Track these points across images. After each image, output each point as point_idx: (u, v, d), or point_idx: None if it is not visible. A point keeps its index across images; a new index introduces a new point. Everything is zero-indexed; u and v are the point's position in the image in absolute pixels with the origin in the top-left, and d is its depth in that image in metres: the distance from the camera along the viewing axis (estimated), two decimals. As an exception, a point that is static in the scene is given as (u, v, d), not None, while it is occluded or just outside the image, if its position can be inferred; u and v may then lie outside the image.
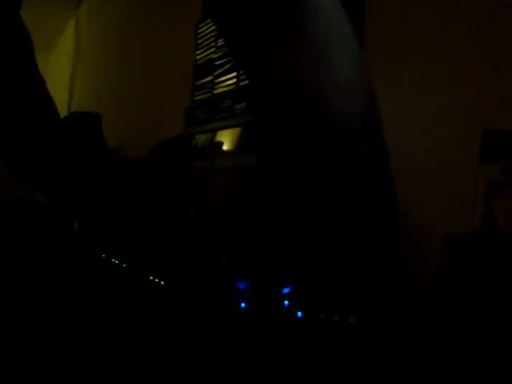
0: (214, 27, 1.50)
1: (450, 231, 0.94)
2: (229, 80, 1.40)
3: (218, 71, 1.46)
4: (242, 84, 1.34)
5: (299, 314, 0.73)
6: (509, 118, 0.94)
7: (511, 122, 0.93)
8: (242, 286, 0.77)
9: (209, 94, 1.50)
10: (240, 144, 1.32)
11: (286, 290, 0.73)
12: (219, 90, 1.45)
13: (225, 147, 1.39)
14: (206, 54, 1.54)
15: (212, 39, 1.51)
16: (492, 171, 0.91)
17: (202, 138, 1.51)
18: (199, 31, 1.59)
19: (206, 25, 1.55)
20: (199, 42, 1.59)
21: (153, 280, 1.00)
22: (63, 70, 4.42)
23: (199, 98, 1.55)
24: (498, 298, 0.77)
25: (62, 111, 1.35)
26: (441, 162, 1.08)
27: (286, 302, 0.73)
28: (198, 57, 1.59)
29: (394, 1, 1.21)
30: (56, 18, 4.09)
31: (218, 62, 1.46)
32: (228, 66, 1.40)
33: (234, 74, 1.37)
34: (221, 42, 1.45)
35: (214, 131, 1.45)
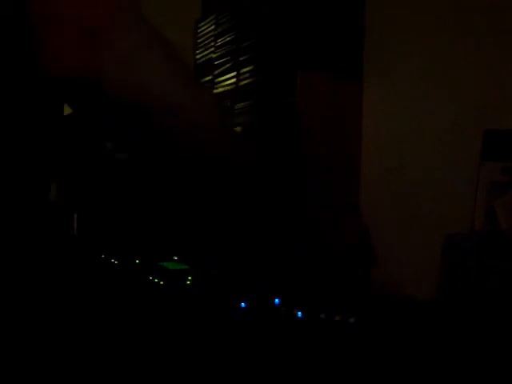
0: (213, 26, 1.50)
1: (451, 231, 0.94)
2: (229, 80, 1.39)
3: (218, 71, 1.45)
4: (241, 84, 1.33)
5: (299, 314, 0.73)
6: (510, 117, 0.93)
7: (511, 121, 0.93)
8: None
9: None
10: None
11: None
12: (219, 90, 1.44)
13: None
14: (205, 53, 1.53)
15: (211, 39, 1.51)
16: (493, 171, 0.91)
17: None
18: (199, 30, 1.59)
19: (206, 24, 1.54)
20: (199, 41, 1.58)
21: (152, 280, 1.00)
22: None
23: (199, 97, 1.55)
24: (499, 298, 0.77)
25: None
26: (441, 162, 1.08)
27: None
28: (197, 56, 1.58)
29: (393, 0, 1.21)
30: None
31: (217, 62, 1.46)
32: (228, 65, 1.40)
33: (234, 73, 1.37)
34: (220, 42, 1.45)
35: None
